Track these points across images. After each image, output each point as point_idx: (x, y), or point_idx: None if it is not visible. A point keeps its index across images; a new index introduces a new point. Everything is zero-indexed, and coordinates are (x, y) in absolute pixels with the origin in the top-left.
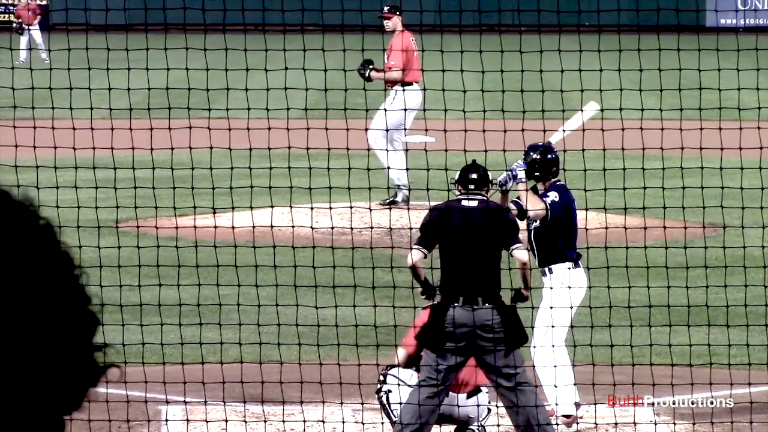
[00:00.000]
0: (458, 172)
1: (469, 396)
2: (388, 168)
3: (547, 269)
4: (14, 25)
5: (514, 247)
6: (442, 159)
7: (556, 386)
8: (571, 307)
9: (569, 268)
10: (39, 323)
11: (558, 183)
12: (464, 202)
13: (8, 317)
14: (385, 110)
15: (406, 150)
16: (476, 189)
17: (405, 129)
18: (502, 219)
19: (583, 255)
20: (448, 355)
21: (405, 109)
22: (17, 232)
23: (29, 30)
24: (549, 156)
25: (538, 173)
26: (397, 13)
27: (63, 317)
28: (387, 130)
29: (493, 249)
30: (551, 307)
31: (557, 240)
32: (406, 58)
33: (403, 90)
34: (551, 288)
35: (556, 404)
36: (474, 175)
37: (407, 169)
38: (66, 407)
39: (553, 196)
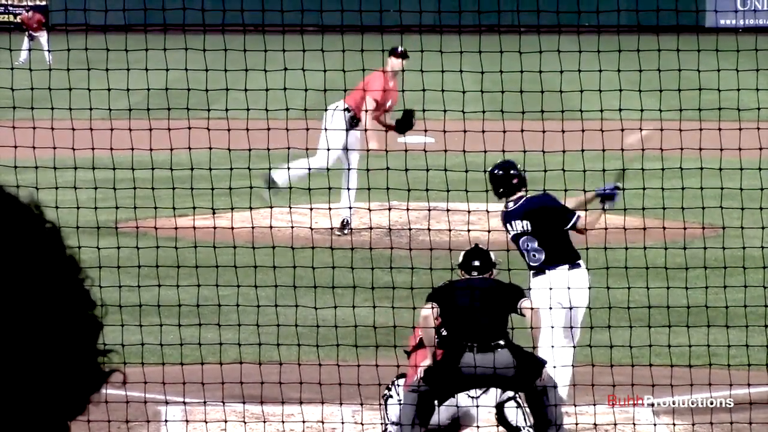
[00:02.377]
0: (461, 256)
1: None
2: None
3: (548, 268)
4: (26, 30)
5: (524, 308)
6: (442, 159)
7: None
8: (571, 308)
9: (568, 269)
10: (43, 327)
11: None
12: (466, 280)
13: (13, 321)
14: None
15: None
16: (479, 275)
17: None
18: (508, 287)
19: (582, 255)
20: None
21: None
22: (23, 236)
23: (36, 36)
24: (512, 171)
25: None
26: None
27: (67, 322)
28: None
29: (503, 309)
30: (550, 307)
31: (569, 241)
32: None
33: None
34: (550, 288)
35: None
36: (477, 262)
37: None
38: (70, 412)
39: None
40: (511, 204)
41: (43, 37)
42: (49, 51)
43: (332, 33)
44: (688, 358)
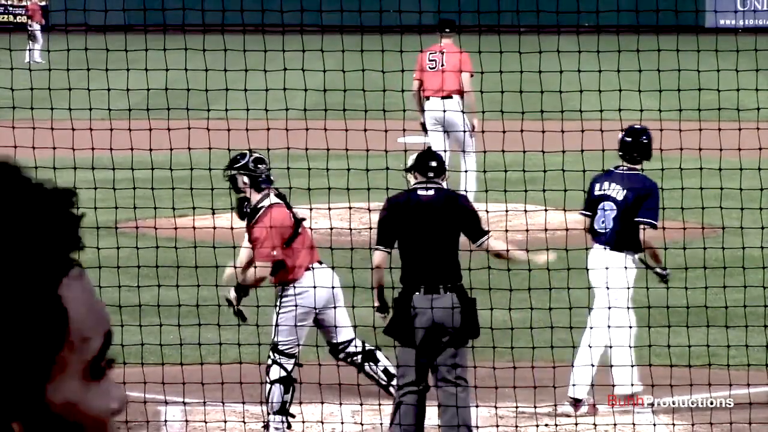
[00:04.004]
0: (413, 159)
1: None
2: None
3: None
4: (28, 27)
5: (483, 240)
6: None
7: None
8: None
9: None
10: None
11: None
12: (420, 191)
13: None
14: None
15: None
16: (435, 177)
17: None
18: (461, 208)
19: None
20: (420, 344)
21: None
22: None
23: (33, 31)
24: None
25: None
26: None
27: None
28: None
29: (453, 238)
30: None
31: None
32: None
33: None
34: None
35: (613, 385)
36: (433, 163)
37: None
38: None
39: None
40: (623, 168)
41: (38, 32)
42: (41, 51)
43: (332, 33)
44: (687, 359)
